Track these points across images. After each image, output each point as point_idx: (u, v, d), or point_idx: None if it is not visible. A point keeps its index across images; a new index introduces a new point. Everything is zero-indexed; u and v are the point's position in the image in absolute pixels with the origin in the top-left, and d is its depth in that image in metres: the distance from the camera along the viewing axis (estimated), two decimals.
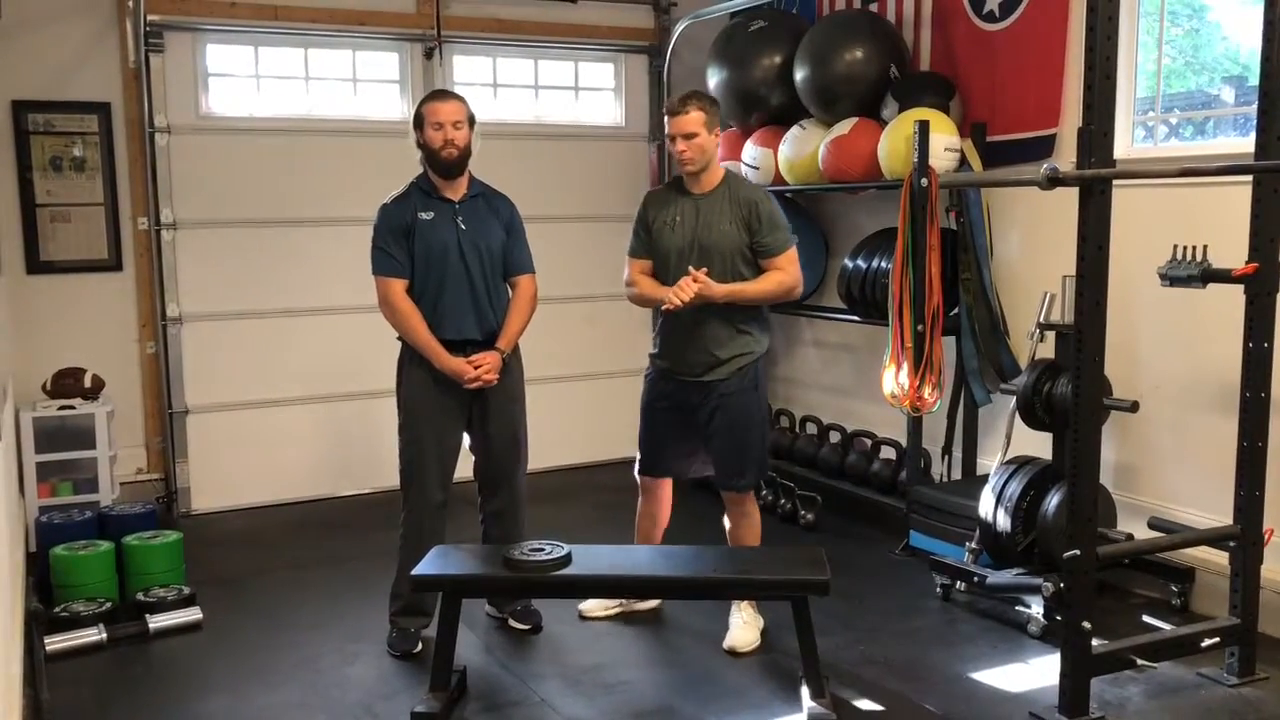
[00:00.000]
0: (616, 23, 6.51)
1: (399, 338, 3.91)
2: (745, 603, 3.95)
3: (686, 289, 3.68)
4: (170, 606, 4.14)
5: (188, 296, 5.64)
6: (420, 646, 3.89)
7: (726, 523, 4.07)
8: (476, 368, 3.81)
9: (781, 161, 5.41)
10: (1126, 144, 4.38)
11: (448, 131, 3.77)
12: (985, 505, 4.26)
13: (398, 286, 3.83)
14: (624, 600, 4.17)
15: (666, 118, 3.84)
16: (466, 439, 4.00)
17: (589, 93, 6.66)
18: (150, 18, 5.39)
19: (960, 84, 4.99)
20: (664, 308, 3.78)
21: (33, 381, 5.17)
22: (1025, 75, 4.73)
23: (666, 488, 4.15)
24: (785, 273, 3.83)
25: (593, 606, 4.16)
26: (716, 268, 3.76)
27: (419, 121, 3.83)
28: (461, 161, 3.84)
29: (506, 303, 3.96)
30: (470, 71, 6.27)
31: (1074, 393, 3.18)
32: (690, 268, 3.73)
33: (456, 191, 3.88)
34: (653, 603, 4.23)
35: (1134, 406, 3.97)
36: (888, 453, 5.30)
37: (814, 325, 6.18)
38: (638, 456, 4.09)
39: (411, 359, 3.89)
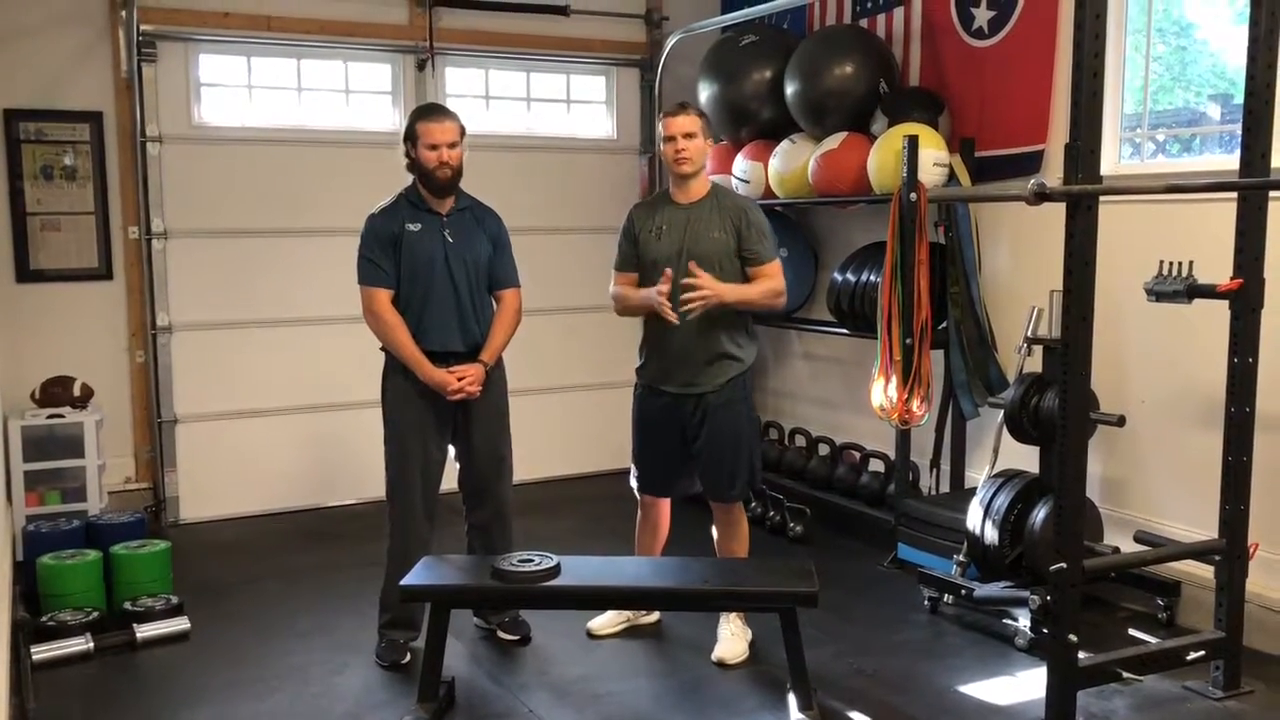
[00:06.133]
0: (608, 36, 6.54)
1: (382, 348, 3.91)
2: (734, 614, 3.95)
3: (695, 300, 3.61)
4: (158, 616, 4.13)
5: (177, 306, 5.64)
6: (409, 657, 3.88)
7: (715, 532, 4.07)
8: (460, 380, 3.80)
9: (772, 175, 5.43)
10: (1113, 160, 4.40)
11: (443, 154, 3.77)
12: (973, 518, 4.27)
13: (383, 297, 3.83)
14: (630, 615, 4.16)
15: (663, 121, 3.82)
16: (452, 450, 4.00)
17: (581, 105, 6.68)
18: (143, 27, 5.40)
19: (949, 99, 5.02)
20: (662, 311, 3.67)
21: (21, 390, 5.15)
22: (1013, 91, 4.77)
23: (666, 502, 4.13)
24: (774, 279, 3.83)
25: (601, 624, 4.13)
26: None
27: (411, 138, 3.81)
28: (455, 181, 3.84)
29: (491, 316, 3.96)
30: (462, 83, 6.29)
31: (1061, 407, 3.19)
32: (691, 264, 3.67)
33: (444, 204, 3.88)
34: (655, 615, 4.22)
35: (1120, 421, 4.00)
36: (876, 465, 5.32)
37: (803, 338, 6.20)
38: (634, 473, 4.07)
39: (395, 370, 3.88)
